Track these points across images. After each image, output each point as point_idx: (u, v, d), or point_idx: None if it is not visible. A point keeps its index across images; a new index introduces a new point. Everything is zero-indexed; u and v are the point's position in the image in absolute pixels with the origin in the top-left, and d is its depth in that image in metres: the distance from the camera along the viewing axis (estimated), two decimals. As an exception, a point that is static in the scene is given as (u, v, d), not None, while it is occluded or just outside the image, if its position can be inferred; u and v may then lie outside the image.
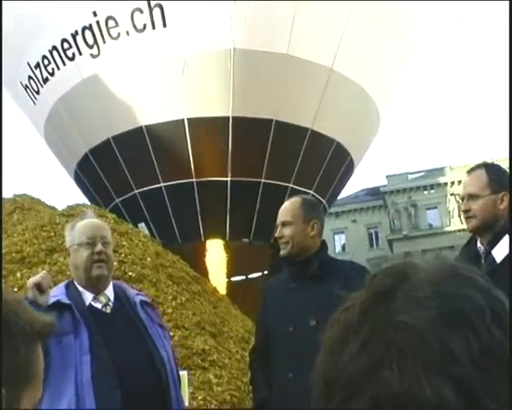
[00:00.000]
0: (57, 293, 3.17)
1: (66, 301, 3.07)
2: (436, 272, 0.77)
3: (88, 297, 3.18)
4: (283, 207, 3.73)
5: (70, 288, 3.21)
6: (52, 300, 3.05)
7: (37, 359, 1.09)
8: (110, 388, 2.89)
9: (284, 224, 3.66)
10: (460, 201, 3.58)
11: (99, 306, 3.19)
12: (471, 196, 3.44)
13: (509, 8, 17.85)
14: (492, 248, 3.32)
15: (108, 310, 3.20)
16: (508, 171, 3.57)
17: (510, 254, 3.17)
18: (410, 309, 0.72)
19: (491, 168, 3.53)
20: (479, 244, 3.44)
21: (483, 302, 0.72)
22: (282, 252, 3.66)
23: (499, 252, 3.30)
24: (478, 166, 3.56)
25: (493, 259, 3.29)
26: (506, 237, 3.31)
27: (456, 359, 0.68)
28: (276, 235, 3.67)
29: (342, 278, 3.50)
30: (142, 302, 3.36)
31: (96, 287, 3.21)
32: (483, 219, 3.38)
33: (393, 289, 0.77)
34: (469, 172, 3.59)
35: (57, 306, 3.03)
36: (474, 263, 3.30)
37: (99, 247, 3.19)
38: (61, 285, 3.27)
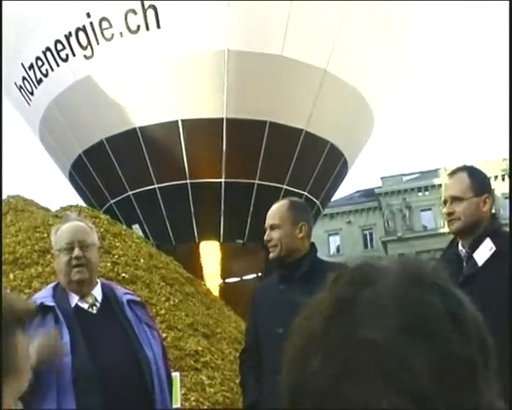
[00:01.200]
0: (43, 295, 3.18)
1: (49, 303, 3.07)
2: (399, 276, 0.76)
3: (74, 298, 3.19)
4: (271, 210, 3.74)
5: (57, 290, 3.22)
6: (37, 302, 3.05)
7: (17, 347, 1.06)
8: (91, 394, 2.88)
9: (272, 227, 3.67)
10: (443, 204, 3.59)
11: (85, 306, 3.20)
12: (454, 199, 3.46)
13: (509, 8, 17.86)
14: (474, 251, 3.33)
15: (95, 310, 3.21)
16: (486, 175, 3.59)
17: (510, 254, 3.18)
18: (371, 320, 0.71)
19: (473, 171, 3.56)
20: (460, 247, 3.45)
21: (442, 307, 0.72)
22: (271, 255, 3.67)
23: (481, 255, 3.31)
24: (459, 169, 3.58)
25: (475, 262, 3.30)
26: (487, 241, 3.32)
27: (414, 371, 0.67)
28: (265, 238, 3.68)
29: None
30: (130, 301, 3.36)
31: (79, 290, 3.22)
32: (466, 222, 3.41)
33: (355, 297, 0.76)
34: (451, 175, 3.62)
35: (41, 308, 3.03)
36: (456, 266, 3.32)
37: (76, 252, 3.20)
38: (49, 287, 3.29)
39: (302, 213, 3.76)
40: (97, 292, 3.27)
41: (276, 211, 3.70)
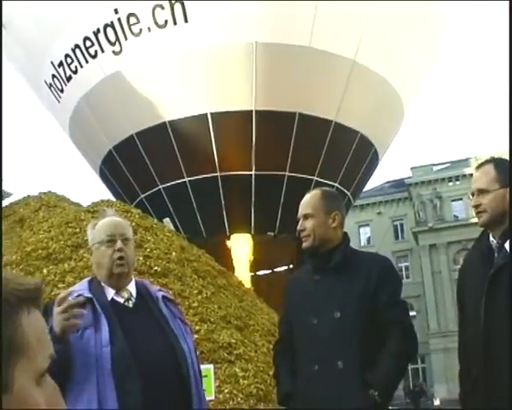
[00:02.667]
0: (80, 288, 3.19)
1: (87, 294, 3.09)
2: None
3: (110, 292, 3.20)
4: (304, 199, 3.72)
5: (93, 283, 3.23)
6: (74, 294, 3.06)
7: (21, 328, 1.04)
8: (130, 379, 2.91)
9: (306, 216, 3.64)
10: (470, 196, 3.58)
11: (121, 300, 3.21)
12: (481, 191, 3.46)
13: (509, 8, 17.88)
14: (505, 241, 3.33)
15: (131, 305, 3.22)
16: None
17: (510, 255, 3.21)
18: None
19: (499, 163, 3.53)
20: (491, 238, 3.44)
21: None
22: (304, 244, 3.64)
23: None
24: (486, 162, 3.57)
25: (506, 252, 3.30)
26: None
27: None
28: (298, 228, 3.66)
29: (365, 270, 3.49)
30: (164, 298, 3.37)
31: (118, 284, 3.23)
32: (493, 214, 3.39)
33: None
34: (478, 167, 3.63)
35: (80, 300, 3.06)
36: (487, 257, 3.32)
37: (119, 244, 3.21)
38: (84, 281, 3.30)
39: (335, 202, 3.73)
40: (132, 287, 3.28)
41: (310, 200, 3.68)
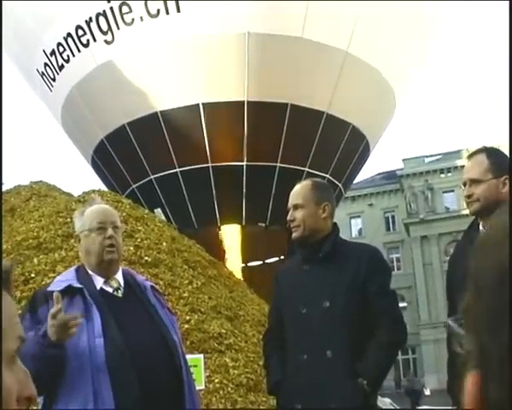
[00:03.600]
0: (67, 277, 3.18)
1: (77, 284, 3.07)
2: None
3: (99, 281, 3.18)
4: (294, 190, 3.74)
5: (80, 272, 3.21)
6: (63, 284, 3.06)
7: None
8: (125, 370, 2.90)
9: (296, 207, 3.67)
10: (462, 186, 3.58)
11: (110, 290, 3.20)
12: (473, 181, 3.45)
13: (509, 8, 17.92)
14: None
15: (120, 294, 3.21)
16: (507, 155, 3.56)
17: (510, 255, 3.19)
18: None
19: (491, 152, 3.53)
20: (481, 228, 3.45)
21: None
22: (294, 235, 3.66)
23: None
24: (478, 151, 3.56)
25: None
26: None
27: None
28: (288, 218, 3.67)
29: (354, 260, 3.51)
30: (152, 288, 3.38)
31: (108, 271, 3.22)
32: (485, 203, 3.39)
33: None
34: (470, 156, 3.61)
35: (69, 290, 3.04)
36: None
37: (110, 232, 3.21)
38: (71, 270, 3.27)
39: (325, 193, 3.75)
40: (120, 277, 3.27)
41: (300, 191, 3.69)
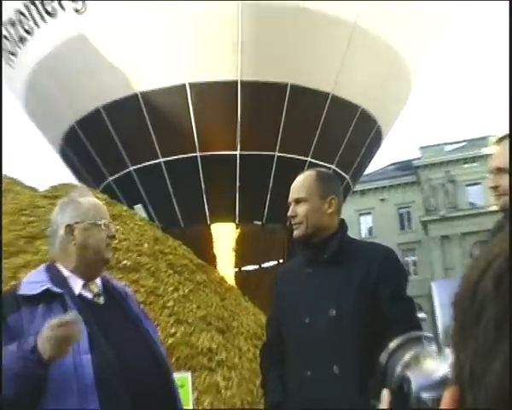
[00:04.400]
0: (40, 278, 3.08)
1: (57, 289, 3.01)
2: None
3: (77, 285, 3.11)
4: (296, 182, 3.72)
5: (52, 273, 3.13)
6: (38, 287, 2.99)
7: None
8: (118, 391, 2.87)
9: (298, 201, 3.65)
10: (489, 176, 3.51)
11: (90, 295, 3.15)
12: (502, 171, 3.34)
13: (509, 8, 18.28)
14: None
15: (101, 301, 3.18)
16: None
17: (510, 253, 3.14)
18: None
19: None
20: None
21: None
22: (296, 233, 3.64)
23: None
24: (506, 136, 3.42)
25: None
26: None
27: None
28: (289, 214, 3.66)
29: (364, 261, 3.50)
30: (133, 295, 3.41)
31: (98, 272, 3.23)
32: None
33: None
34: (499, 141, 3.51)
35: (45, 295, 2.96)
36: None
37: (113, 230, 3.32)
38: (41, 270, 3.17)
39: (332, 185, 3.74)
40: (99, 281, 3.26)
41: (303, 183, 3.67)
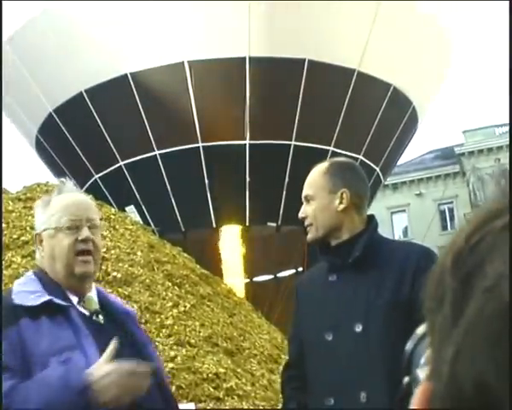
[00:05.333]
0: (35, 288, 3.04)
1: (62, 302, 2.97)
2: None
3: (72, 300, 3.08)
4: (308, 177, 3.73)
5: (45, 283, 3.08)
6: (37, 297, 2.96)
7: None
8: None
9: (306, 199, 3.65)
10: None
11: (87, 313, 3.12)
12: None
13: (509, 8, 18.64)
14: None
15: (101, 320, 3.13)
16: None
17: (510, 251, 3.15)
18: None
19: None
20: None
21: None
22: (308, 236, 3.64)
23: None
24: None
25: None
26: None
27: None
28: (299, 215, 3.66)
29: (397, 266, 3.46)
30: (131, 313, 3.35)
31: (80, 288, 3.12)
32: None
33: None
34: None
35: (47, 307, 2.93)
36: None
37: (85, 232, 3.09)
38: (33, 278, 3.11)
39: (344, 176, 3.69)
40: (94, 296, 3.20)
41: (310, 178, 3.69)
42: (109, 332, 3.02)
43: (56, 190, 3.29)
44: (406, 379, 1.13)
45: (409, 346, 1.19)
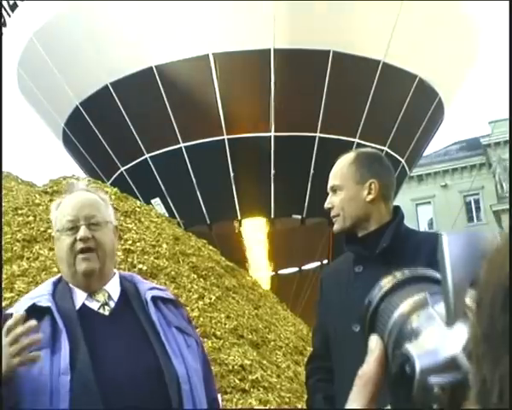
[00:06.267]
0: (40, 293, 3.14)
1: (45, 303, 3.03)
2: None
3: (80, 296, 3.14)
4: (333, 169, 3.72)
5: (59, 285, 3.19)
6: (27, 303, 3.03)
7: None
8: None
9: (333, 189, 3.64)
10: None
11: (95, 306, 3.13)
12: None
13: (509, 8, 18.49)
14: None
15: (107, 312, 3.15)
16: None
17: (510, 253, 3.12)
18: None
19: None
20: None
21: None
22: (335, 227, 3.63)
23: None
24: None
25: None
26: None
27: None
28: (325, 205, 3.65)
29: (424, 257, 3.43)
30: (157, 299, 3.31)
31: (87, 285, 3.15)
32: None
33: None
34: None
35: (34, 311, 2.97)
36: None
37: (82, 231, 3.14)
38: (49, 282, 3.24)
39: (371, 166, 3.69)
40: (113, 287, 3.19)
41: (337, 168, 3.68)
42: (111, 323, 3.13)
43: (68, 190, 3.37)
44: (374, 339, 1.07)
45: (372, 296, 1.14)
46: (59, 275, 3.28)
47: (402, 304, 1.05)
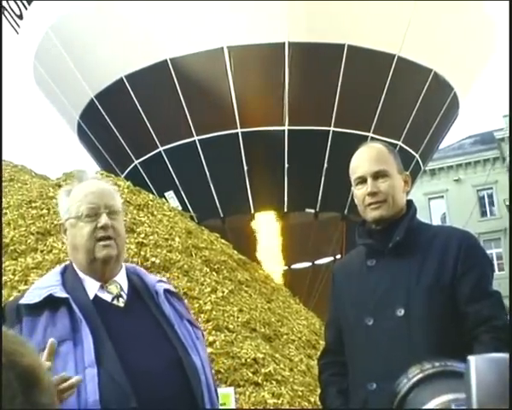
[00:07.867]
0: (49, 283, 3.09)
1: (61, 294, 3.00)
2: None
3: (93, 287, 3.10)
4: (367, 153, 3.62)
5: (67, 275, 3.14)
6: (42, 294, 2.98)
7: None
8: None
9: (378, 175, 3.54)
10: None
11: (108, 298, 3.10)
12: None
13: (509, 8, 18.45)
14: None
15: (121, 303, 3.11)
16: None
17: (510, 255, 3.08)
18: None
19: None
20: None
21: None
22: (376, 213, 3.51)
23: None
24: None
25: None
26: None
27: None
28: (370, 190, 3.53)
29: (438, 250, 3.41)
30: (166, 291, 3.30)
31: (103, 273, 3.12)
32: None
33: None
34: None
35: (50, 302, 2.96)
36: None
37: (104, 219, 3.10)
38: (56, 271, 3.19)
39: (399, 159, 3.69)
40: (122, 279, 3.18)
41: (379, 153, 3.58)
42: (127, 315, 3.10)
43: (77, 179, 3.34)
44: None
45: (401, 385, 1.15)
46: (63, 265, 3.25)
47: (428, 403, 1.08)
